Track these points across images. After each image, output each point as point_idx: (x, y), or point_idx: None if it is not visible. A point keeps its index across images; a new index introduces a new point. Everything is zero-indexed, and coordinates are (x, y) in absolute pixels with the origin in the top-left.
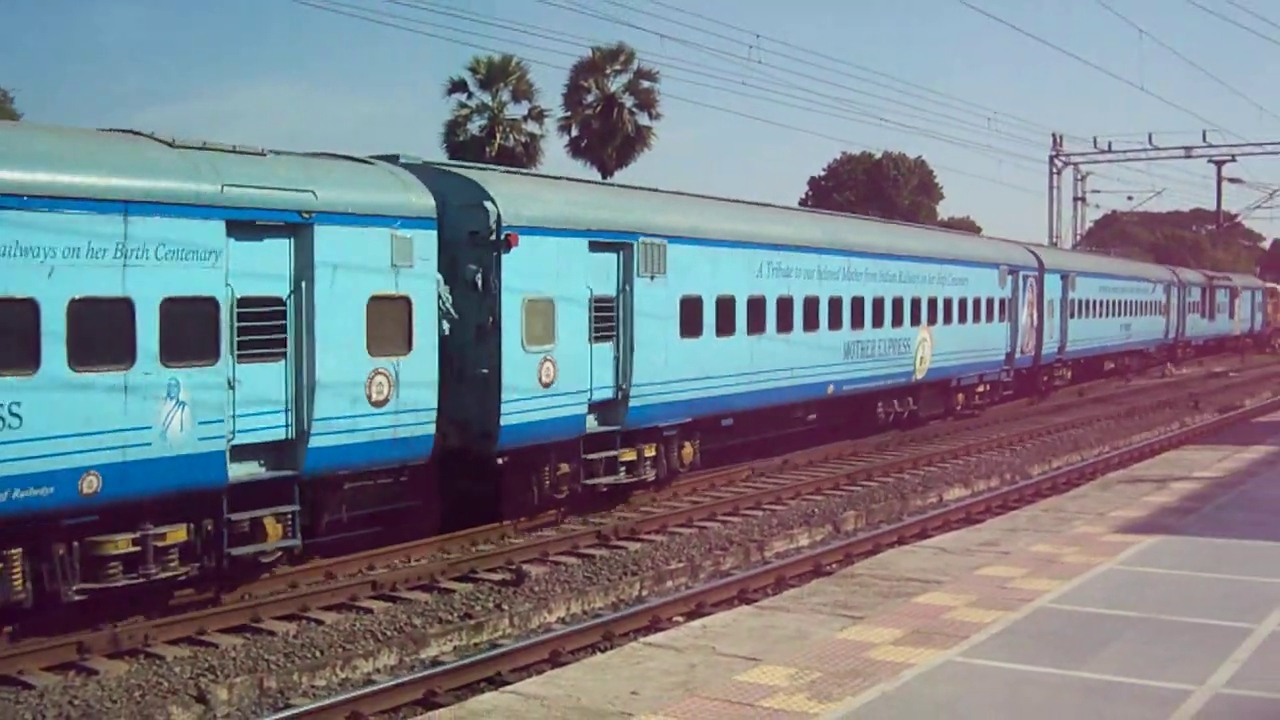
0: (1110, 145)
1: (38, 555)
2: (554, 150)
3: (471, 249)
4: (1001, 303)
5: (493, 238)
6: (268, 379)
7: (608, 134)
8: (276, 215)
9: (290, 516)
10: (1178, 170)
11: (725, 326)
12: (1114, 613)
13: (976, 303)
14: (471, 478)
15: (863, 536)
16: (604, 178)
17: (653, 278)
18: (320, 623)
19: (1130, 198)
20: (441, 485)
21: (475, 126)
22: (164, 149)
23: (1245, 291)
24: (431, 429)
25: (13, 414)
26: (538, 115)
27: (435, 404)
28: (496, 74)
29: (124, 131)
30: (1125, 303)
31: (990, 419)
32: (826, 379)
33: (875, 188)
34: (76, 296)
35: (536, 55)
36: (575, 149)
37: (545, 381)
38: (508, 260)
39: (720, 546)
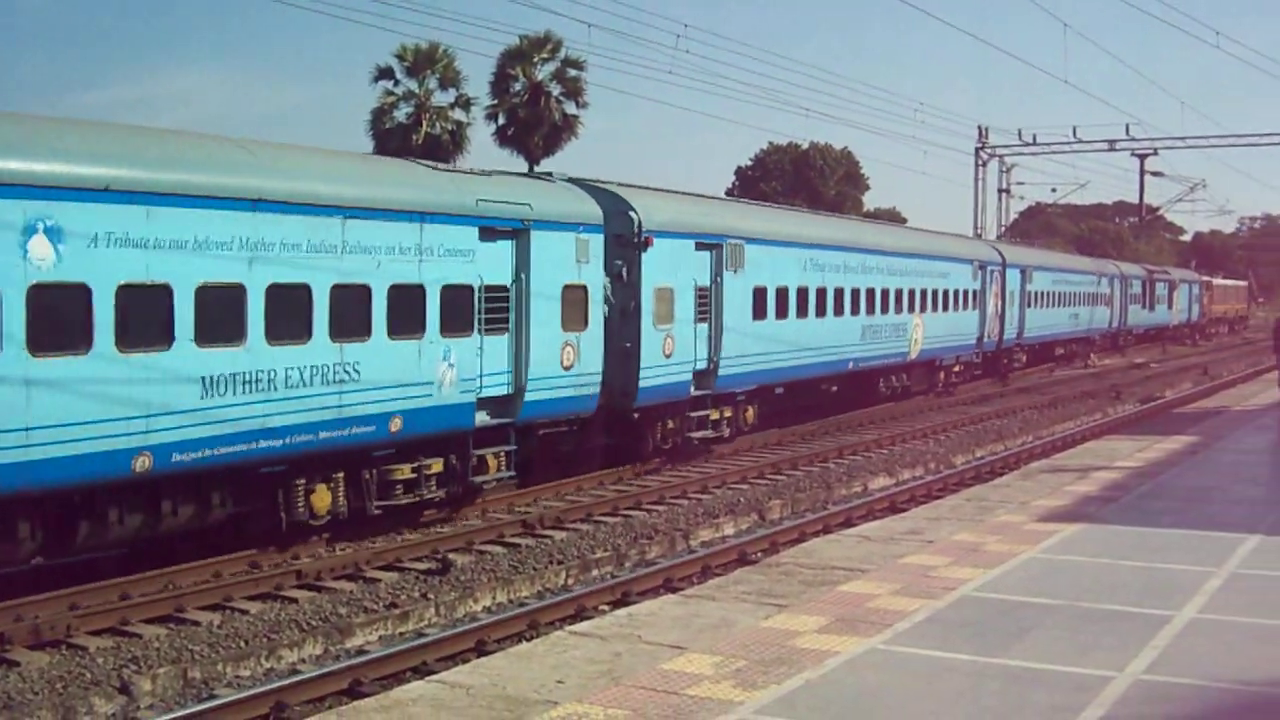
0: (1035, 138)
1: (350, 480)
2: (480, 138)
3: (618, 248)
4: (973, 294)
5: (635, 240)
6: (499, 348)
7: (535, 122)
8: (507, 223)
9: (507, 454)
10: (1101, 163)
11: (782, 311)
12: (1036, 600)
13: (956, 294)
14: (610, 430)
15: (788, 525)
16: (530, 166)
17: (735, 271)
18: (244, 612)
19: (1054, 190)
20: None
21: (402, 114)
22: (435, 172)
23: (1183, 284)
24: (598, 388)
25: (355, 370)
26: (464, 103)
27: (601, 369)
28: (424, 61)
29: (400, 158)
30: (1075, 294)
31: (923, 405)
32: (849, 357)
33: (802, 178)
34: (394, 283)
35: (464, 43)
36: (502, 137)
37: (667, 354)
38: (645, 257)
39: (646, 535)
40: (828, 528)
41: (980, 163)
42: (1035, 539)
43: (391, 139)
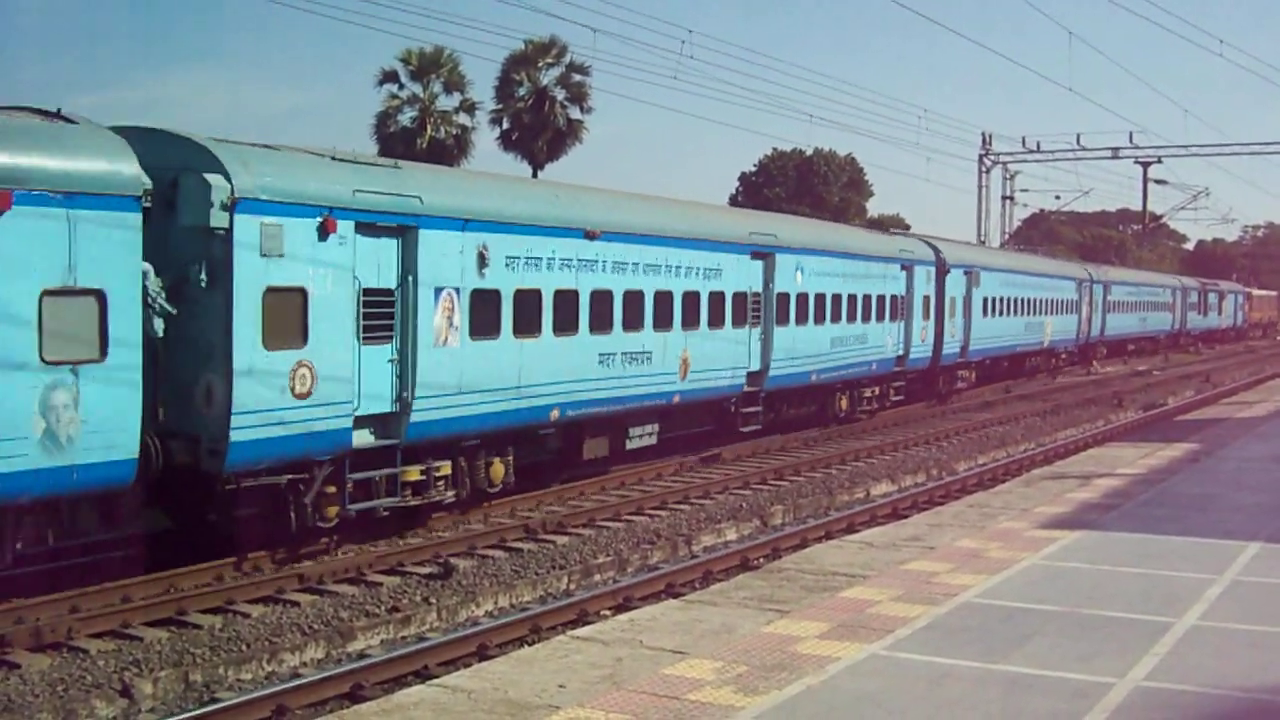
0: (1039, 145)
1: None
2: (485, 143)
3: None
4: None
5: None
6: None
7: (539, 127)
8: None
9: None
10: (1105, 171)
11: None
12: (1037, 607)
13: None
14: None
15: (790, 531)
16: (534, 171)
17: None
18: (246, 616)
19: (1058, 197)
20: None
21: (406, 118)
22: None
23: (1230, 295)
24: (931, 352)
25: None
26: (469, 107)
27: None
28: (428, 65)
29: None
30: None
31: (903, 418)
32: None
33: (806, 184)
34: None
35: (468, 47)
36: (506, 142)
37: (952, 335)
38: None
39: (648, 541)
40: (830, 533)
41: (984, 170)
42: (1037, 546)
43: (396, 143)
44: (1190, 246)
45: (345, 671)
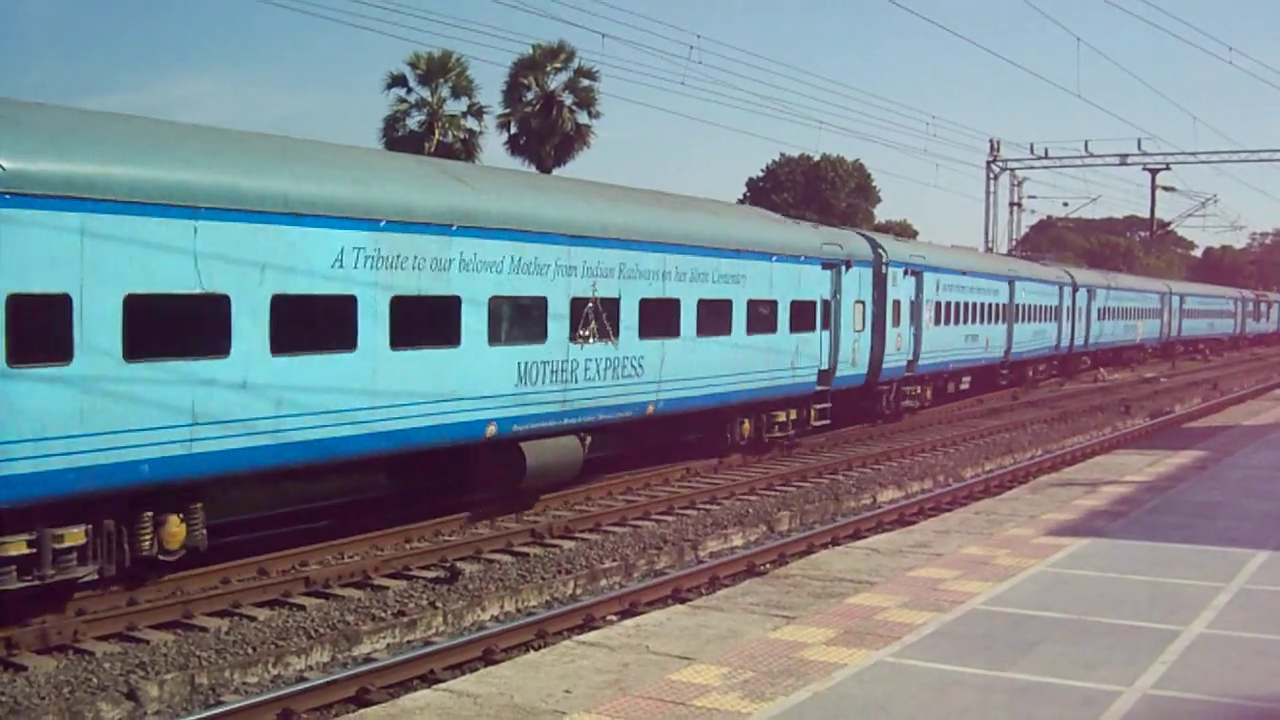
0: (1047, 151)
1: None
2: (492, 147)
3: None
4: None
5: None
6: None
7: (547, 132)
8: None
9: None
10: (1113, 178)
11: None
12: (1044, 614)
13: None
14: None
15: (796, 537)
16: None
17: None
18: (252, 619)
19: (1066, 204)
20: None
21: (414, 122)
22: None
23: (1276, 304)
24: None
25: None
26: (477, 112)
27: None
28: (436, 70)
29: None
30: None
31: (918, 423)
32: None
33: (813, 190)
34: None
35: (477, 52)
36: (514, 146)
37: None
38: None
39: (654, 545)
40: (836, 540)
41: (992, 176)
42: (1044, 553)
43: (404, 147)
44: (1199, 253)
45: (351, 675)
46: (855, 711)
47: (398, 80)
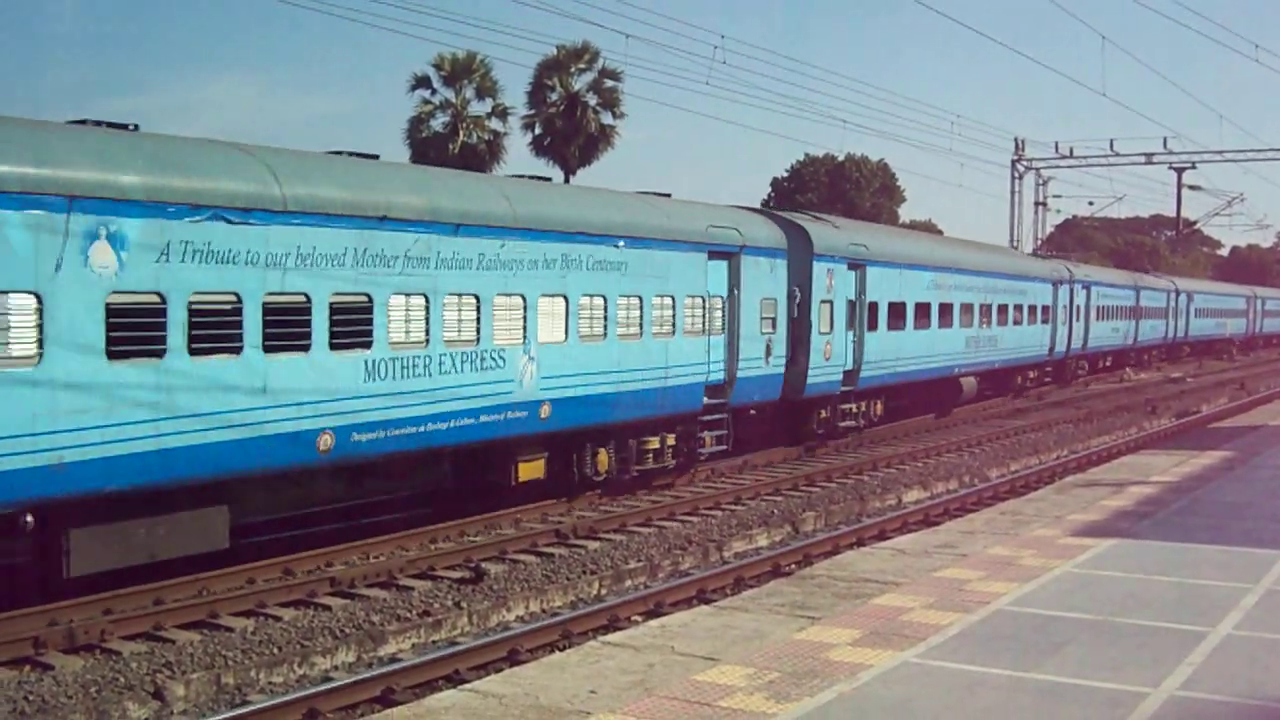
0: (1072, 150)
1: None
2: (517, 148)
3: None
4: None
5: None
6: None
7: (571, 132)
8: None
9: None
10: (1138, 177)
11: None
12: (1070, 615)
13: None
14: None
15: (821, 537)
16: (566, 177)
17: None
18: (278, 619)
19: (1091, 203)
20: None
21: (438, 123)
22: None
23: None
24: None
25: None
26: (501, 113)
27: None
28: (460, 71)
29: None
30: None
31: (947, 423)
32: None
33: (838, 190)
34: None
35: (501, 53)
36: (538, 147)
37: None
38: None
39: (679, 546)
40: (861, 540)
41: (1017, 175)
42: (1069, 553)
43: (428, 148)
44: (1225, 253)
45: (376, 675)
46: (881, 712)
47: (422, 81)
